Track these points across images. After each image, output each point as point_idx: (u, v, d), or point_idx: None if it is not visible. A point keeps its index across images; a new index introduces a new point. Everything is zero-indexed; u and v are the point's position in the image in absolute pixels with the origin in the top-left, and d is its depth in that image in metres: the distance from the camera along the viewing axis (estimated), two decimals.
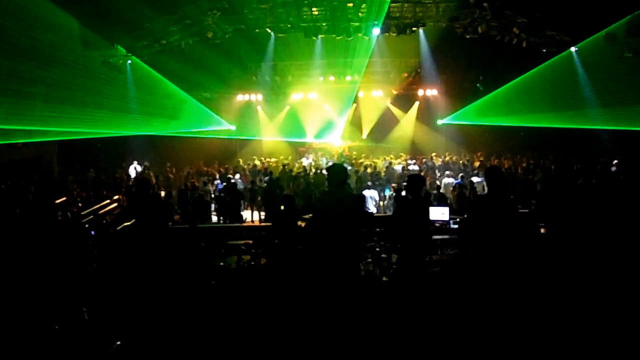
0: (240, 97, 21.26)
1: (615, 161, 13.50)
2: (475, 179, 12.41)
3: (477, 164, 15.66)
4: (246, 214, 13.32)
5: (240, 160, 18.38)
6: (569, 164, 12.74)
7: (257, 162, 17.97)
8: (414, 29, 15.54)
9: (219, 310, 5.04)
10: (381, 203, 12.68)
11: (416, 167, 15.53)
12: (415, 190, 5.10)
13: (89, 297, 5.10)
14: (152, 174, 15.55)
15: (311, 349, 4.23)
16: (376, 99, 21.51)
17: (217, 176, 15.74)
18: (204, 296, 5.41)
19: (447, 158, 17.48)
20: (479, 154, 17.50)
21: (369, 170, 14.77)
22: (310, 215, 5.59)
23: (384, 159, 17.59)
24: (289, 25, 15.46)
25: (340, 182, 4.52)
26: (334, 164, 5.00)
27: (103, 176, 15.84)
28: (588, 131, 16.01)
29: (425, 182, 5.92)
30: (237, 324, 4.71)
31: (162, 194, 12.39)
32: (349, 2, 14.95)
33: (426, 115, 21.52)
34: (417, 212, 4.94)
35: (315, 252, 4.69)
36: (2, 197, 11.33)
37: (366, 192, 12.06)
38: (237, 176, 15.03)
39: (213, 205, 13.04)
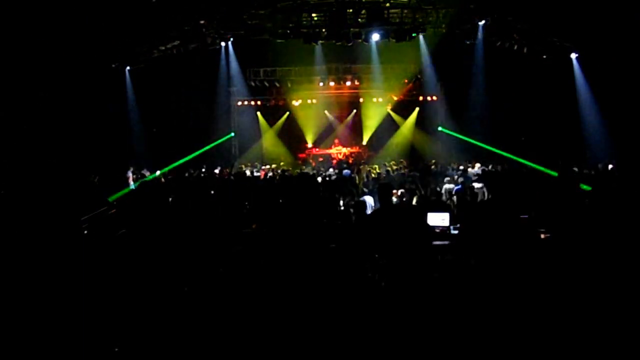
0: (240, 103, 21.24)
1: (611, 166, 13.46)
2: (475, 185, 12.34)
3: (476, 166, 15.54)
4: None
5: (243, 166, 18.31)
6: (570, 169, 12.69)
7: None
8: (414, 34, 15.56)
9: (217, 315, 4.98)
10: None
11: (417, 174, 15.44)
12: (384, 199, 5.13)
13: (88, 302, 5.04)
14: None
15: (308, 351, 4.20)
16: (376, 105, 21.49)
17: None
18: (204, 299, 5.35)
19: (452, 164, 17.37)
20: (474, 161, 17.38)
21: (372, 175, 14.70)
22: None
23: (384, 164, 17.51)
24: (289, 31, 15.47)
25: None
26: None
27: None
28: (585, 135, 16.10)
29: (392, 189, 5.97)
30: (235, 326, 4.68)
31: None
32: (349, 8, 14.98)
33: (426, 122, 21.48)
34: (392, 219, 4.93)
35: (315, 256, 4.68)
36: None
37: (364, 198, 11.98)
38: None
39: None
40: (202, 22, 15.23)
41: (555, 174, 12.95)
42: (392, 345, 4.25)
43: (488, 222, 5.04)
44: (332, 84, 20.31)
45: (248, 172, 16.12)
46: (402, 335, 4.30)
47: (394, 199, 8.32)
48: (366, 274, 5.63)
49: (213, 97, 20.07)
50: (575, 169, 13.13)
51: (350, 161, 20.04)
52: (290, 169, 17.75)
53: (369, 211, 11.60)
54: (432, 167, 16.69)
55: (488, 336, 4.12)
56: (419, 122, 21.68)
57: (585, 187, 9.02)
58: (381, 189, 5.32)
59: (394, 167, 16.72)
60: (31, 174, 13.31)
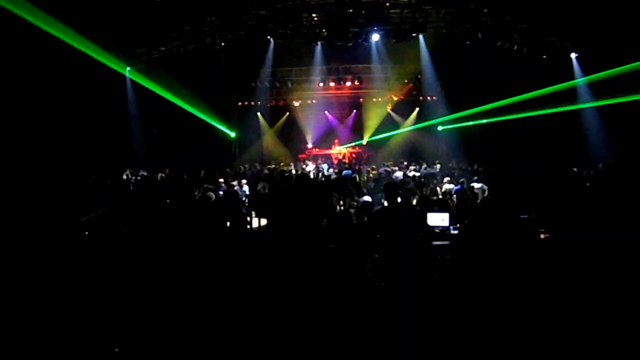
0: (240, 104, 21.27)
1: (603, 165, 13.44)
2: (475, 185, 12.33)
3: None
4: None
5: (246, 166, 18.28)
6: (569, 170, 12.69)
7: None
8: (414, 35, 15.55)
9: (217, 315, 4.98)
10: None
11: (417, 174, 15.44)
12: (392, 198, 5.10)
13: (88, 302, 5.05)
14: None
15: (309, 350, 4.21)
16: (376, 105, 21.50)
17: (222, 182, 15.55)
18: (204, 299, 5.35)
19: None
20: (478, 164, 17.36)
21: (371, 175, 14.71)
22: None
23: (383, 164, 17.52)
24: (289, 32, 15.46)
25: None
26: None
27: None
28: (585, 135, 16.10)
29: (398, 189, 5.93)
30: (235, 325, 4.68)
31: None
32: (349, 8, 14.98)
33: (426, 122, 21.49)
34: (397, 220, 4.90)
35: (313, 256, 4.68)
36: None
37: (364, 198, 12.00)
38: (244, 181, 14.77)
39: None
40: (202, 22, 15.24)
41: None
42: (392, 345, 4.25)
43: (487, 222, 5.04)
44: (332, 84, 20.33)
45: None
46: (403, 335, 4.30)
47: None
48: (366, 274, 5.64)
49: (213, 98, 20.08)
50: (575, 169, 13.12)
51: (348, 161, 20.06)
52: (292, 169, 17.75)
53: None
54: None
55: (487, 336, 4.12)
56: (419, 122, 21.69)
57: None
58: (388, 188, 5.29)
59: (393, 168, 16.73)
60: (31, 175, 13.31)
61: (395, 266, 4.92)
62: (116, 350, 4.31)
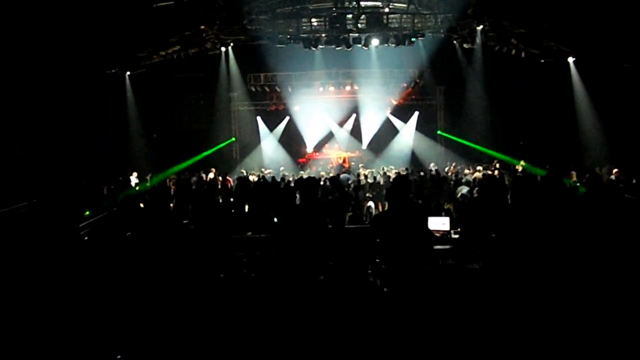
0: (240, 108, 21.33)
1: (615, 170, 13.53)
2: (463, 190, 12.20)
3: (472, 174, 15.52)
4: None
5: (244, 171, 18.27)
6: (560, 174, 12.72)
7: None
8: (413, 39, 15.65)
9: (219, 321, 5.00)
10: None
11: (415, 178, 15.45)
12: (397, 199, 4.87)
13: (89, 309, 5.06)
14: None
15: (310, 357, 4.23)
16: (375, 109, 21.55)
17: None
18: (202, 306, 5.37)
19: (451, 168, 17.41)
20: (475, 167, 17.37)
21: (369, 180, 14.71)
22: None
23: (383, 168, 17.55)
24: (289, 36, 15.54)
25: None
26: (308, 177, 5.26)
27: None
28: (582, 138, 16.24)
29: (407, 191, 5.53)
30: (237, 331, 4.70)
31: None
32: (348, 14, 15.08)
33: (426, 126, 21.57)
34: (399, 224, 4.80)
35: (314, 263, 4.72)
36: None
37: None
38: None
39: None
40: (202, 27, 15.31)
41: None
42: (395, 351, 4.28)
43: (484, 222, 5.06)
44: (331, 88, 20.41)
45: (252, 177, 16.03)
46: (405, 341, 4.33)
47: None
48: (368, 279, 5.68)
49: (213, 102, 20.16)
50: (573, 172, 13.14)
51: (347, 165, 20.10)
52: (294, 174, 17.71)
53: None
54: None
55: (491, 340, 4.15)
56: (418, 126, 21.77)
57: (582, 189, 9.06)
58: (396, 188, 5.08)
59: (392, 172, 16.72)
60: (31, 180, 13.35)
61: (395, 271, 4.94)
62: (119, 357, 4.33)
